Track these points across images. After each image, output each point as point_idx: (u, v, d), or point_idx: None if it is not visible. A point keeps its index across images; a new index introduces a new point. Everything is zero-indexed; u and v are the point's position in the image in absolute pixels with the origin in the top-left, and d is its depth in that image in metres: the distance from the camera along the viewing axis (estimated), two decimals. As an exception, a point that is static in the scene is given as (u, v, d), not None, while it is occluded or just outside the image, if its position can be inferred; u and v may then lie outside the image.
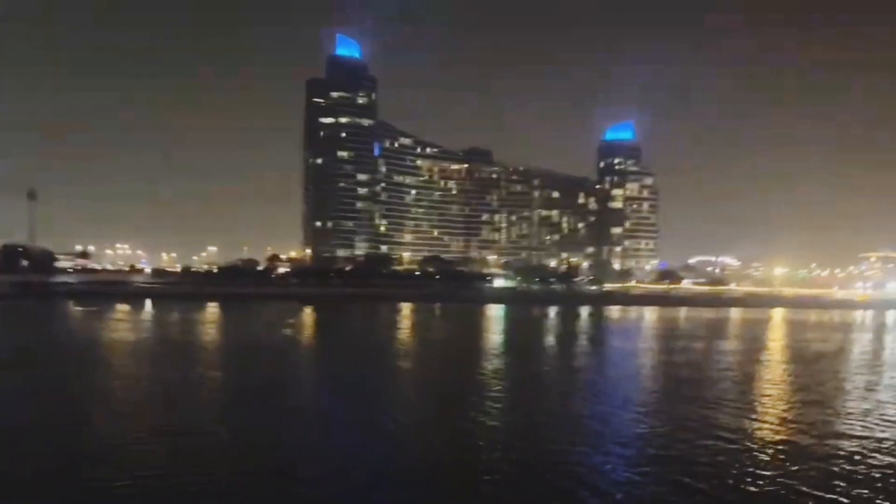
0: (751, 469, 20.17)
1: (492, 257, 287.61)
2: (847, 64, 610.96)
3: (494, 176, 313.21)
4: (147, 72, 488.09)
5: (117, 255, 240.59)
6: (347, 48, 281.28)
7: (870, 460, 21.31)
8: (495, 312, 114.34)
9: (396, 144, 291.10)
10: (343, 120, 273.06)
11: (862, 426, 26.52)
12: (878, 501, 17.59)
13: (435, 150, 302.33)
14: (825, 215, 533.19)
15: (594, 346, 62.30)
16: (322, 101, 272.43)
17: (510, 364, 45.64)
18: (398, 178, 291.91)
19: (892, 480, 19.28)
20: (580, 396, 33.01)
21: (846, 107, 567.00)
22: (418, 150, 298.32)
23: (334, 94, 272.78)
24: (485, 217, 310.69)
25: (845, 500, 17.53)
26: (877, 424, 26.94)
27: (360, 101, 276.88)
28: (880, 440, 24.10)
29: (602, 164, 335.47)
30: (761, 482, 18.95)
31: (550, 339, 67.37)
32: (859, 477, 19.50)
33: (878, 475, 19.72)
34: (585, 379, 39.50)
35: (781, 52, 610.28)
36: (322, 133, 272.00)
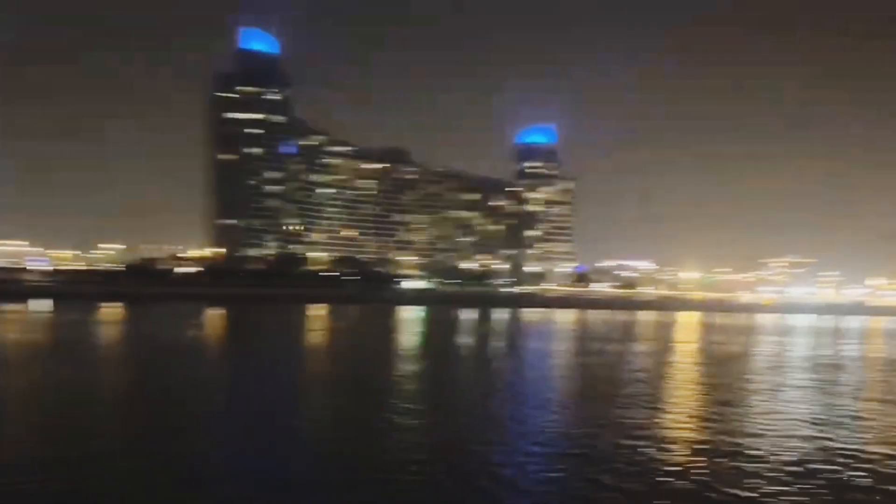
0: (664, 465, 20.85)
1: (408, 259, 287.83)
2: (773, 64, 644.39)
3: (412, 176, 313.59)
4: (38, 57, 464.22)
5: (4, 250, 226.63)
6: (259, 41, 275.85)
7: (776, 456, 22.42)
8: (411, 314, 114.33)
9: (310, 142, 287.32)
10: (253, 116, 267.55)
11: (769, 424, 27.80)
12: (782, 497, 18.39)
13: (350, 148, 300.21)
14: (734, 220, 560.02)
15: (511, 347, 63.06)
16: (231, 95, 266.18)
17: (428, 366, 45.64)
18: (312, 177, 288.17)
19: (797, 476, 20.29)
20: (499, 397, 33.26)
21: (764, 111, 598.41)
22: (333, 148, 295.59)
23: (244, 89, 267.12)
24: (401, 218, 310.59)
25: (753, 494, 18.37)
26: (783, 423, 28.32)
27: (272, 97, 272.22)
28: (787, 437, 25.41)
29: (519, 167, 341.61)
30: (674, 478, 19.59)
31: (468, 341, 67.77)
32: (767, 473, 20.49)
33: (785, 469, 20.80)
34: (504, 380, 39.84)
35: (704, 54, 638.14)
36: (231, 129, 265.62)
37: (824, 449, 23.61)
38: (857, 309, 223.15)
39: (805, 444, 24.19)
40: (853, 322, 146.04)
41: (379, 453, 21.60)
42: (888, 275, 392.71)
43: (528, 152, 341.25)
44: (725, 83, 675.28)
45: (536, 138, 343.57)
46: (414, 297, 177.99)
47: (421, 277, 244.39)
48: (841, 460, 22.10)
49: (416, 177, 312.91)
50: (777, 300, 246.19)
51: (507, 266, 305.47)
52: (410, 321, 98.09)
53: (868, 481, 19.90)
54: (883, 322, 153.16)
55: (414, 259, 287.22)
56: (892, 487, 19.43)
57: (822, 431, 26.60)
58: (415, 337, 71.89)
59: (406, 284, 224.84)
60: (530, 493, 18.15)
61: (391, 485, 18.42)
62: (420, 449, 22.32)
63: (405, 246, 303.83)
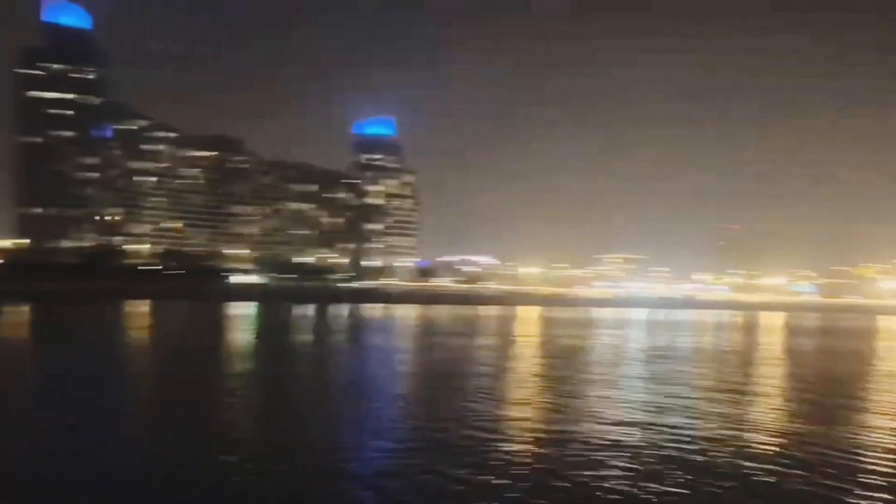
0: (510, 455, 21.53)
1: (241, 252, 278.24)
2: (616, 61, 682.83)
3: (243, 166, 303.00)
4: None
5: None
6: (68, 15, 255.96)
7: (623, 442, 23.81)
8: (244, 310, 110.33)
9: (129, 127, 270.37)
10: (61, 96, 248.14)
11: (612, 413, 29.52)
12: (619, 476, 19.30)
13: (175, 135, 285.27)
14: (573, 217, 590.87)
15: (354, 344, 62.29)
16: (35, 72, 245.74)
17: (263, 365, 44.01)
18: (132, 164, 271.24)
19: (632, 457, 21.59)
20: (344, 395, 32.76)
21: (608, 108, 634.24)
22: (156, 134, 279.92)
23: (50, 66, 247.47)
24: (233, 209, 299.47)
25: (597, 474, 19.28)
26: (620, 410, 30.27)
27: (84, 76, 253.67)
28: (633, 424, 27.10)
29: (358, 159, 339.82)
30: (519, 467, 20.24)
31: (307, 338, 66.15)
32: (604, 457, 21.67)
33: (626, 454, 22.07)
34: (348, 378, 39.11)
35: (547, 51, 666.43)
36: (35, 109, 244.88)
37: (660, 432, 25.24)
38: (688, 303, 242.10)
39: (639, 429, 25.78)
40: (683, 315, 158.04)
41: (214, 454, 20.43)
42: (713, 270, 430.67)
43: (368, 144, 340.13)
44: (563, 84, 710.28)
45: (376, 130, 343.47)
46: (245, 293, 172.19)
47: (253, 272, 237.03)
48: (671, 442, 23.70)
49: (248, 166, 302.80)
50: (614, 294, 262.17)
51: (346, 260, 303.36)
52: (240, 317, 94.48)
53: (689, 458, 21.42)
54: (710, 315, 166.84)
55: (246, 252, 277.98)
56: (701, 460, 20.89)
57: (655, 416, 28.47)
58: (244, 334, 69.30)
59: (237, 279, 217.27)
60: (378, 488, 18.08)
61: (225, 486, 17.44)
62: (257, 449, 21.36)
63: (236, 239, 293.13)
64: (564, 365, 46.82)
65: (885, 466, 21.58)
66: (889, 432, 27.04)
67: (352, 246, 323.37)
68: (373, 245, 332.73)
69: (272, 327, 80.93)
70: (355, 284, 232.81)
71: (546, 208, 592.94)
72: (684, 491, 18.33)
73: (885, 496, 18.60)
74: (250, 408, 29.40)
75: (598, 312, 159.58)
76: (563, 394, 33.86)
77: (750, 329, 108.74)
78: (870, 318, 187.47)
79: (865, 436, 26.10)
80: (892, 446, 24.57)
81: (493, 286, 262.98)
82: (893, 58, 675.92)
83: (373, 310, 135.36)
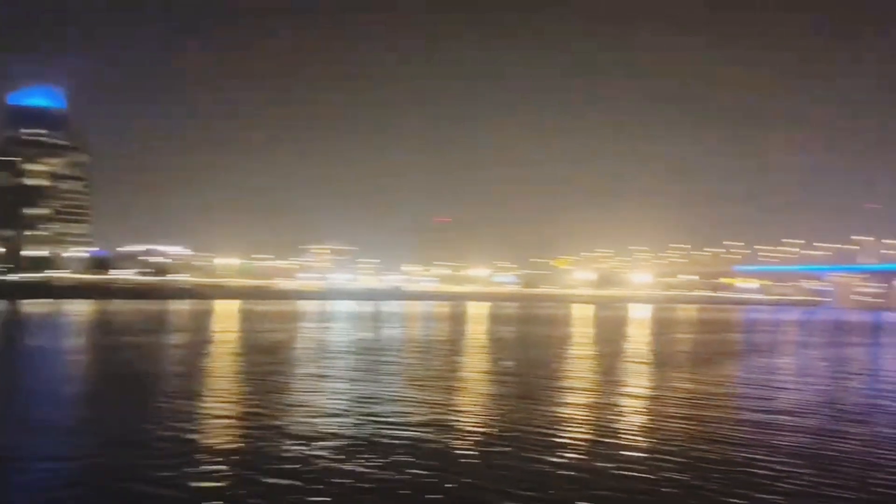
0: (208, 453, 21.18)
1: None
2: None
3: None
4: None
5: None
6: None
7: (336, 433, 24.48)
8: None
9: None
10: None
11: (323, 405, 30.37)
12: (331, 469, 19.81)
13: None
14: (275, 206, 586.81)
15: (10, 346, 56.52)
16: None
17: None
18: None
19: (352, 447, 22.36)
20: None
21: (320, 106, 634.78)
22: None
23: None
24: None
25: (309, 465, 19.60)
26: (335, 402, 31.30)
27: None
28: (344, 414, 28.08)
29: (17, 134, 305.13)
30: (223, 464, 20.05)
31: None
32: (324, 450, 22.21)
33: (338, 443, 22.77)
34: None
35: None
36: None
37: (372, 420, 26.40)
38: (396, 294, 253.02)
39: (352, 418, 26.84)
40: (393, 307, 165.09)
41: None
42: (422, 262, 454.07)
43: (28, 116, 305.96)
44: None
45: (39, 101, 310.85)
46: None
47: None
48: (384, 427, 24.90)
49: None
50: (320, 287, 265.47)
51: (1, 250, 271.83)
52: None
53: (400, 441, 22.72)
54: (418, 306, 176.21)
55: None
56: (412, 442, 22.48)
57: (367, 406, 29.72)
58: None
59: None
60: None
61: None
62: None
63: None
64: (268, 360, 46.76)
65: (576, 434, 24.98)
66: (582, 407, 31.16)
67: (9, 233, 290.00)
68: (36, 232, 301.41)
69: None
70: (14, 277, 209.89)
71: (247, 196, 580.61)
72: (390, 473, 19.46)
73: (574, 455, 21.72)
74: None
75: (303, 305, 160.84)
76: (268, 389, 33.91)
77: (456, 319, 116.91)
78: (564, 306, 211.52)
79: (561, 411, 29.73)
80: (583, 418, 28.50)
81: (185, 278, 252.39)
82: (590, 49, 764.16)
83: (37, 306, 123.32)
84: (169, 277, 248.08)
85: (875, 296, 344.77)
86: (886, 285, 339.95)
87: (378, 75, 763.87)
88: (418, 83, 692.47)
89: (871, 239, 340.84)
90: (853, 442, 24.81)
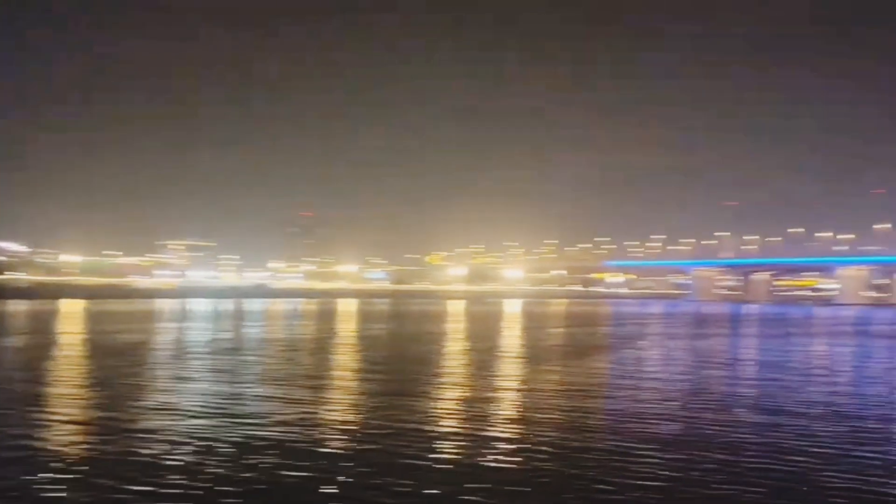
0: (80, 455, 20.27)
1: None
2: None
3: None
4: None
5: None
6: None
7: (201, 434, 23.79)
8: None
9: None
10: None
11: (186, 406, 29.46)
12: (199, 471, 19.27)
13: None
14: (137, 200, 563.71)
15: None
16: None
17: None
18: None
19: (220, 447, 21.83)
20: None
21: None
22: None
23: None
24: None
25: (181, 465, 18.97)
26: (198, 403, 30.31)
27: None
28: (211, 415, 27.31)
29: None
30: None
31: None
32: (187, 450, 21.47)
33: (203, 443, 22.16)
34: None
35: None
36: None
37: (240, 421, 25.90)
38: (259, 291, 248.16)
39: (218, 420, 26.24)
40: (257, 305, 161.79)
41: None
42: (286, 258, 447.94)
43: None
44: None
45: None
46: None
47: None
48: (250, 428, 24.47)
49: None
50: (177, 284, 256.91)
51: None
52: None
53: (270, 439, 22.38)
54: (284, 304, 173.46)
55: None
56: (281, 440, 22.24)
57: (235, 406, 29.25)
58: None
59: None
60: None
61: None
62: None
63: None
64: (121, 363, 44.81)
65: (450, 429, 25.36)
66: (456, 402, 31.69)
67: None
68: None
69: None
70: None
71: (98, 188, 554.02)
72: (255, 474, 19.17)
73: (449, 449, 22.05)
74: None
75: (160, 304, 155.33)
76: (122, 393, 32.53)
77: (324, 317, 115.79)
78: (439, 302, 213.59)
79: (435, 406, 30.07)
80: (457, 412, 29.03)
81: (21, 276, 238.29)
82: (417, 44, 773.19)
83: None
84: (5, 276, 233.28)
85: (734, 289, 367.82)
86: (744, 278, 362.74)
87: (231, 64, 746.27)
88: (281, 75, 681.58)
89: (730, 235, 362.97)
90: (718, 427, 26.28)
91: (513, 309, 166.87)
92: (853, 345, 73.89)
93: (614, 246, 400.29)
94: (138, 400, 30.65)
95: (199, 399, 30.88)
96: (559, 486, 18.51)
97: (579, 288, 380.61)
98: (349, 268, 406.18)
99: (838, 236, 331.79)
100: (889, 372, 48.72)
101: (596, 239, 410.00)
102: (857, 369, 50.17)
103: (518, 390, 35.81)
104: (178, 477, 18.76)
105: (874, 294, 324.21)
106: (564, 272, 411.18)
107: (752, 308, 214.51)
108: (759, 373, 46.64)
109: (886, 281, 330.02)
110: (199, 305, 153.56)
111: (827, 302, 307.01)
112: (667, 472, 19.77)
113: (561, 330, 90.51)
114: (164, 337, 68.39)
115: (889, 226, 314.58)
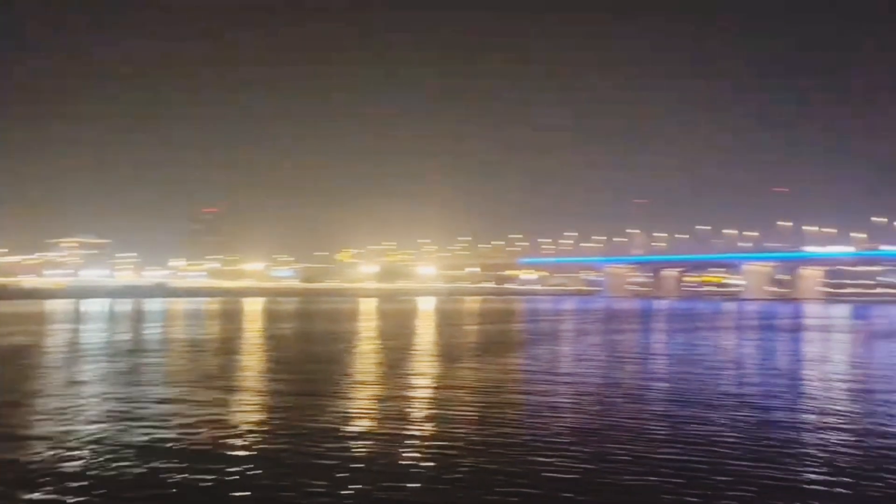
0: None
1: None
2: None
3: None
4: None
5: None
6: None
7: (106, 439, 23.09)
8: None
9: None
10: None
11: (86, 413, 28.36)
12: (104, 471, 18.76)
13: None
14: (18, 194, 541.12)
15: None
16: None
17: None
18: None
19: (124, 449, 21.22)
20: None
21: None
22: None
23: None
24: None
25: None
26: (98, 408, 29.44)
27: None
28: (115, 419, 26.54)
29: None
30: None
31: None
32: (91, 453, 20.77)
33: (108, 446, 21.52)
34: None
35: None
36: None
37: (142, 425, 25.23)
38: (159, 291, 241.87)
39: (113, 423, 25.50)
40: (156, 305, 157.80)
41: None
42: (188, 256, 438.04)
43: None
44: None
45: None
46: None
47: None
48: (156, 430, 23.92)
49: None
50: (68, 284, 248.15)
51: None
52: None
53: (170, 442, 22.03)
54: (186, 303, 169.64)
55: None
56: (184, 443, 21.88)
57: (137, 410, 28.45)
58: None
59: None
60: None
61: None
62: None
63: None
64: (10, 367, 43.10)
65: (363, 428, 25.50)
66: (368, 400, 31.78)
67: None
68: None
69: None
70: None
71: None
72: (160, 478, 18.83)
73: (363, 448, 22.08)
74: None
75: (50, 305, 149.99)
76: (13, 399, 31.23)
77: (228, 316, 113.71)
78: (349, 300, 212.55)
79: (347, 405, 30.02)
80: (370, 411, 29.18)
81: None
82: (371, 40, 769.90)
83: None
84: None
85: (644, 285, 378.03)
86: (654, 275, 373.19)
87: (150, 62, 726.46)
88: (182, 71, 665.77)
89: (640, 232, 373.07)
90: (633, 420, 27.02)
91: (426, 307, 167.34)
92: (758, 338, 76.81)
93: (527, 243, 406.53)
94: (29, 406, 29.53)
95: (96, 403, 29.97)
96: (475, 481, 18.71)
97: (493, 285, 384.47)
98: (255, 266, 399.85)
99: (743, 233, 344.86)
100: (792, 364, 50.96)
101: (510, 236, 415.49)
102: (762, 362, 52.19)
103: (432, 388, 36.00)
104: (76, 484, 18.20)
105: (777, 289, 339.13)
106: (478, 269, 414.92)
107: (663, 304, 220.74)
108: (670, 366, 48.02)
109: (788, 276, 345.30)
110: (94, 306, 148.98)
111: (733, 297, 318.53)
112: (582, 465, 20.25)
113: (475, 327, 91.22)
114: (55, 339, 65.98)
115: (790, 223, 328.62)
